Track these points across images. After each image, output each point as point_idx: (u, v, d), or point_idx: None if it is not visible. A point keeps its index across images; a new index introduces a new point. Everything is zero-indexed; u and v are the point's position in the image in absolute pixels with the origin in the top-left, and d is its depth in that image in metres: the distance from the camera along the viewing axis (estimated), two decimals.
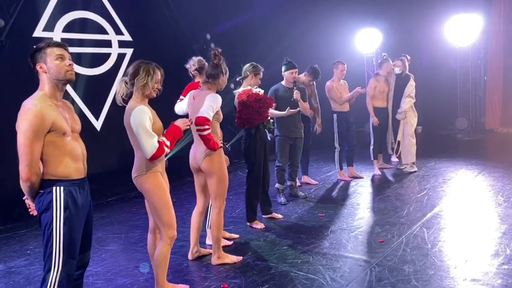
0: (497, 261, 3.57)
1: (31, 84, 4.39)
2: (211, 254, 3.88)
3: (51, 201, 2.35)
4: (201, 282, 3.50)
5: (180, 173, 6.00)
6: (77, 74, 2.55)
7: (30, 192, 2.39)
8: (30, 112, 2.29)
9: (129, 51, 6.92)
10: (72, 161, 2.44)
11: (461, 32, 9.32)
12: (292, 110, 5.18)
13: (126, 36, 6.92)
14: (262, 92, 4.62)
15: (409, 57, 7.46)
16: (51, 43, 2.45)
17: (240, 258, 3.87)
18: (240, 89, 4.71)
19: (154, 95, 3.01)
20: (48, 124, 2.31)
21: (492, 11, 10.04)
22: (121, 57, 6.83)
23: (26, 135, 2.27)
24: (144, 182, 2.96)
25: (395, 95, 6.80)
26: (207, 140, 3.56)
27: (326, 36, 8.95)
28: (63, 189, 2.38)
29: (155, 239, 3.22)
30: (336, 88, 6.47)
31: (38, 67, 2.42)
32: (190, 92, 3.91)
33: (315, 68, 6.16)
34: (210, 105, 3.52)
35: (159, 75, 2.99)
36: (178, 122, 3.09)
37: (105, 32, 6.63)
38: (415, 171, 6.79)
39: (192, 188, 4.04)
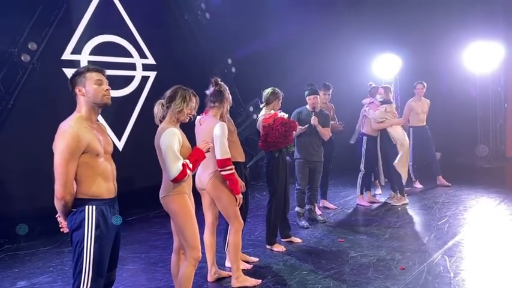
0: None
1: (60, 104, 4.56)
2: (231, 276, 3.89)
3: (83, 219, 2.42)
4: None
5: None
6: None
7: (64, 210, 2.46)
8: (67, 134, 2.39)
9: (152, 74, 7.11)
10: (104, 181, 2.52)
11: (481, 60, 9.32)
12: (301, 127, 5.21)
13: (150, 60, 7.12)
14: (286, 116, 4.70)
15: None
16: (90, 68, 2.56)
17: (260, 281, 3.87)
18: (262, 112, 4.78)
19: (187, 120, 3.13)
20: (83, 145, 2.41)
21: None
22: (144, 79, 7.02)
23: (63, 155, 2.37)
24: (171, 202, 3.02)
25: None
26: (231, 181, 3.65)
27: (348, 61, 9.04)
28: (95, 208, 2.45)
29: (179, 259, 3.26)
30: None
31: (77, 90, 2.53)
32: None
33: (324, 83, 6.29)
34: (222, 141, 3.59)
35: (194, 102, 3.11)
36: (201, 146, 3.17)
37: (130, 56, 6.84)
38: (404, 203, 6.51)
39: None
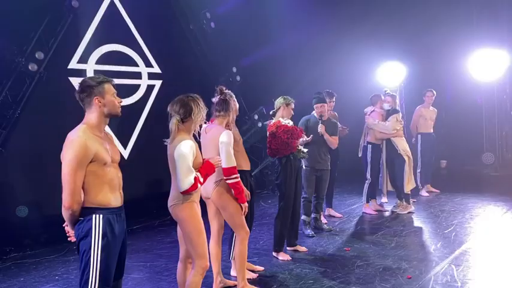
0: None
1: (67, 113, 4.59)
2: (236, 285, 3.88)
3: (91, 228, 2.43)
4: None
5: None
6: None
7: (71, 219, 2.47)
8: (75, 143, 2.41)
9: (157, 83, 7.15)
10: (111, 190, 2.53)
11: (486, 67, 9.30)
12: (307, 138, 5.20)
13: (156, 69, 7.16)
14: (291, 123, 4.71)
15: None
16: (107, 80, 2.59)
17: None
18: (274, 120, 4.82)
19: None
20: (91, 155, 2.43)
21: None
22: (150, 88, 7.05)
23: (71, 165, 2.38)
24: (180, 211, 3.01)
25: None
26: (237, 190, 3.65)
27: (352, 69, 9.05)
28: (102, 217, 2.46)
29: (185, 268, 3.25)
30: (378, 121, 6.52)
31: (96, 100, 2.53)
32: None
33: (327, 90, 6.28)
34: (228, 150, 3.59)
35: (204, 109, 3.12)
36: (213, 160, 3.17)
37: (135, 65, 6.89)
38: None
39: None
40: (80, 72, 6.10)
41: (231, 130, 3.83)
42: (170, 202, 3.07)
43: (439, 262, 4.42)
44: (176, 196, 3.02)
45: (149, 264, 4.72)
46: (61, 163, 2.46)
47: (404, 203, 6.54)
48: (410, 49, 8.98)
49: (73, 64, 6.13)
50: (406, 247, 4.97)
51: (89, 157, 2.42)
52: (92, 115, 2.55)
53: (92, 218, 2.45)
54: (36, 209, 5.47)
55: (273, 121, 4.78)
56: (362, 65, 9.10)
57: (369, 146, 6.55)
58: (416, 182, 7.27)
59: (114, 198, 2.54)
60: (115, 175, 2.58)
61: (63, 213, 2.46)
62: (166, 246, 5.29)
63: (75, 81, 5.93)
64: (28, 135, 5.54)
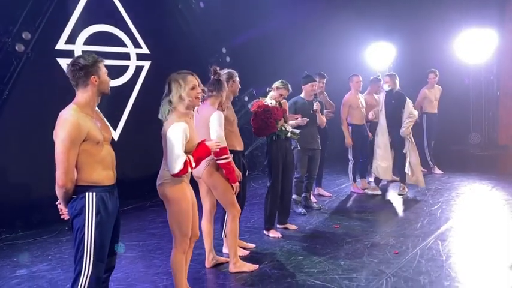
0: None
1: (56, 94, 4.55)
2: (228, 262, 3.96)
3: (84, 206, 2.47)
4: None
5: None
6: None
7: (65, 198, 2.51)
8: (68, 122, 2.42)
9: (146, 64, 7.10)
10: (104, 168, 2.56)
11: (474, 48, 9.37)
12: (301, 120, 5.24)
13: (144, 49, 7.10)
14: (274, 103, 4.67)
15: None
16: (100, 59, 2.60)
17: (257, 266, 3.94)
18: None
19: (198, 103, 3.07)
20: (84, 133, 2.45)
21: (506, 27, 10.06)
22: (139, 69, 7.00)
23: (64, 143, 2.40)
24: (168, 190, 2.99)
25: (388, 113, 6.30)
26: (227, 170, 3.69)
27: (341, 49, 9.05)
28: (95, 195, 2.50)
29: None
30: (350, 103, 6.55)
31: (93, 79, 2.54)
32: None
33: (319, 72, 6.32)
34: (218, 130, 3.63)
35: (192, 81, 2.99)
36: (210, 144, 3.10)
37: (124, 45, 6.82)
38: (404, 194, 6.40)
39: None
40: (67, 53, 6.03)
41: (223, 111, 3.86)
42: (159, 180, 3.03)
43: (425, 238, 4.54)
44: (165, 174, 2.99)
45: (142, 243, 4.78)
46: (52, 143, 2.48)
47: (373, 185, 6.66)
48: (399, 29, 9.00)
49: (61, 45, 6.05)
50: (394, 224, 5.09)
51: (81, 136, 2.44)
52: (85, 94, 2.56)
53: (85, 195, 2.48)
54: (28, 190, 5.48)
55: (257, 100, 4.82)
56: (351, 46, 9.11)
57: (349, 128, 6.59)
58: (426, 160, 7.67)
59: (107, 176, 2.57)
60: (107, 153, 2.60)
61: (56, 192, 2.49)
62: (158, 226, 5.35)
63: (63, 62, 5.86)
64: (17, 116, 5.49)
